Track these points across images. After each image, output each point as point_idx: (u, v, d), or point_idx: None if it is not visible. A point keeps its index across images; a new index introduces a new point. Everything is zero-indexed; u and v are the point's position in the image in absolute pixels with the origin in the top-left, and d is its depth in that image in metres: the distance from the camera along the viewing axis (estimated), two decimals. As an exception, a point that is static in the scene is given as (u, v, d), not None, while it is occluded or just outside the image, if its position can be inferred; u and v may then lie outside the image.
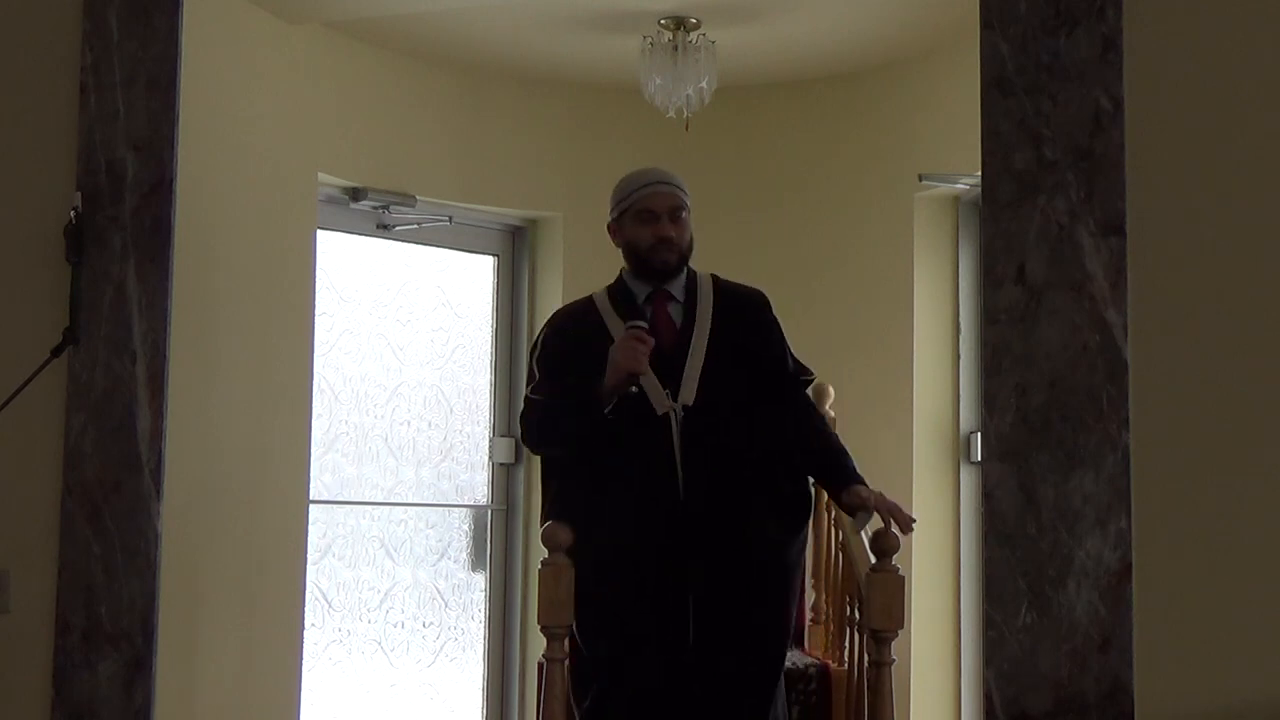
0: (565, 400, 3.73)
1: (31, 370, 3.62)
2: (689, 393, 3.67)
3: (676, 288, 3.81)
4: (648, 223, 3.79)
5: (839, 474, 3.81)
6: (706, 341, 3.73)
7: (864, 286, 5.63)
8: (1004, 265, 3.17)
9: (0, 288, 3.83)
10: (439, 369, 5.96)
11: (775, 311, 3.90)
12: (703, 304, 3.80)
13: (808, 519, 3.84)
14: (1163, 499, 3.06)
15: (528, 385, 3.88)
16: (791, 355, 3.87)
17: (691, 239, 3.83)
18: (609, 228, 3.90)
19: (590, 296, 3.92)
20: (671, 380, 3.68)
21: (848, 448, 3.93)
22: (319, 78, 5.36)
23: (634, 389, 3.63)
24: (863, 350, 5.56)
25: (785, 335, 3.87)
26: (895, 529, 3.70)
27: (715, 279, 3.88)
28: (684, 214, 3.81)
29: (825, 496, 4.62)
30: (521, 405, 3.89)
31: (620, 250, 3.88)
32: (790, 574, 3.76)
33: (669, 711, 3.61)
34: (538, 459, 5.98)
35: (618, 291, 3.86)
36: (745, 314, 3.82)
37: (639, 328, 3.66)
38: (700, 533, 3.60)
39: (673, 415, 3.65)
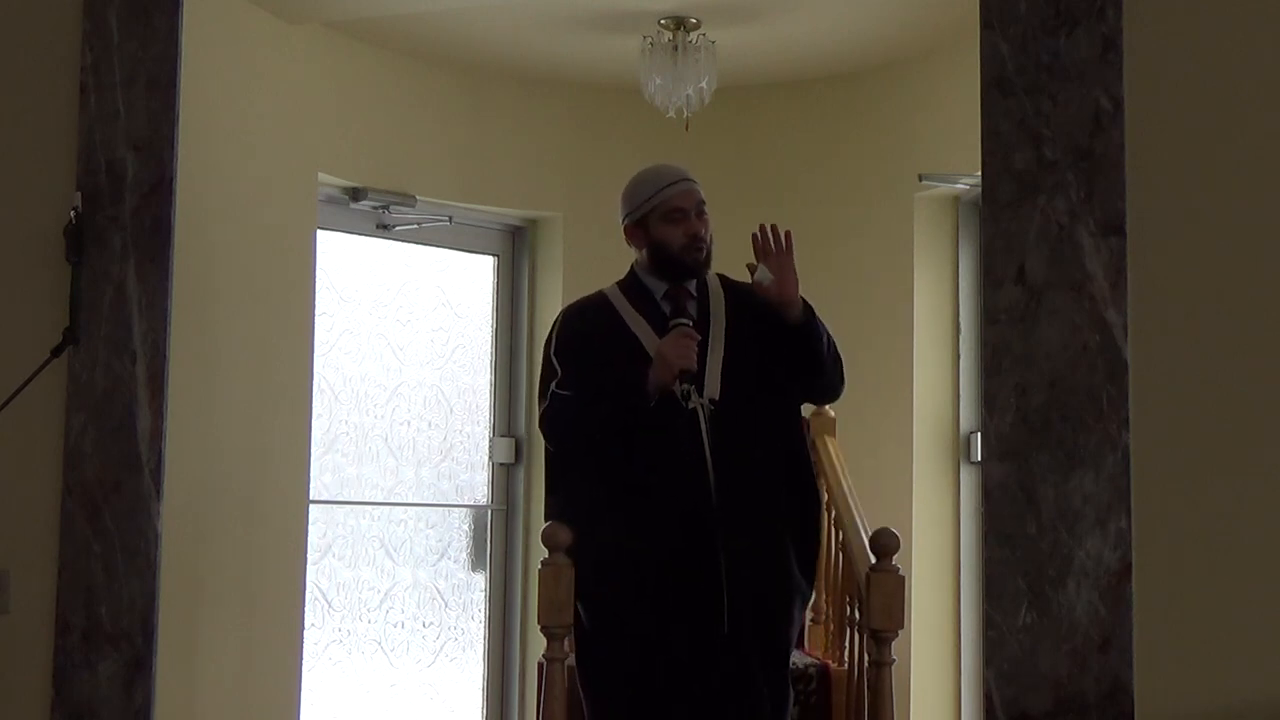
0: (604, 396, 3.68)
1: (31, 370, 3.62)
2: (714, 387, 3.67)
3: (690, 285, 3.80)
4: (678, 222, 3.76)
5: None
6: (724, 335, 3.72)
7: (864, 286, 5.63)
8: (1004, 265, 3.17)
9: (0, 288, 3.83)
10: (439, 369, 5.96)
11: None
12: (715, 300, 3.80)
13: (821, 512, 3.86)
14: (1163, 499, 3.06)
15: (545, 380, 3.81)
16: None
17: (712, 235, 3.82)
18: (626, 230, 3.85)
19: (601, 292, 3.89)
20: (695, 376, 3.66)
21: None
22: (319, 78, 5.36)
23: (683, 386, 3.61)
24: (863, 350, 5.56)
25: None
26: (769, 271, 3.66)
27: (722, 277, 3.87)
28: (706, 210, 3.80)
29: (827, 496, 4.61)
30: (542, 401, 3.80)
31: (641, 252, 3.83)
32: (810, 565, 3.79)
33: (698, 703, 3.61)
34: (539, 459, 6.00)
35: (633, 288, 3.84)
36: (755, 307, 3.78)
37: (684, 324, 3.65)
38: (731, 526, 3.60)
39: (700, 410, 3.65)
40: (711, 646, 3.59)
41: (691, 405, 3.64)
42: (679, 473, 3.63)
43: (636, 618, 3.64)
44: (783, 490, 3.71)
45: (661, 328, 3.72)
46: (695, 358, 3.62)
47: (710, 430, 3.64)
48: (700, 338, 3.66)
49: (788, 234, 3.68)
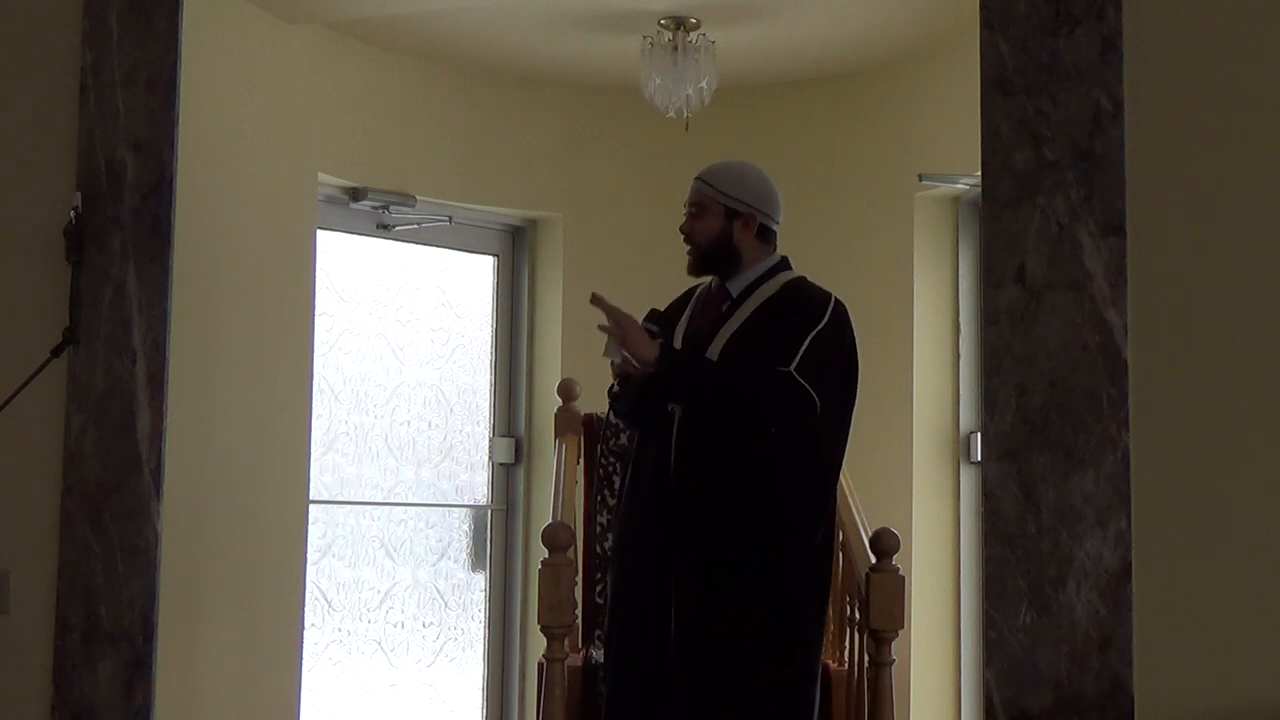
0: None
1: (31, 370, 3.62)
2: None
3: (737, 283, 3.74)
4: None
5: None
6: (725, 341, 3.69)
7: (864, 286, 5.62)
8: (1004, 265, 3.17)
9: (0, 288, 3.83)
10: (439, 369, 5.96)
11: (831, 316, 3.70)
12: (749, 304, 3.72)
13: (807, 518, 3.68)
14: (1163, 499, 3.06)
15: None
16: (817, 366, 3.63)
17: (721, 231, 3.71)
18: None
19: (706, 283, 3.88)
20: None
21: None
22: (319, 78, 5.36)
23: (614, 387, 3.70)
24: (863, 350, 5.54)
25: (830, 351, 3.67)
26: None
27: (792, 281, 3.77)
28: (698, 208, 3.73)
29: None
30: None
31: None
32: (772, 577, 3.60)
33: (651, 701, 3.60)
34: (538, 459, 6.02)
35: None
36: (787, 313, 3.69)
37: (649, 330, 3.64)
38: (685, 527, 3.59)
39: (675, 415, 3.65)
40: (661, 657, 3.57)
41: (671, 409, 3.65)
42: (647, 474, 3.67)
43: (612, 623, 3.71)
44: (749, 503, 3.59)
45: (693, 320, 3.75)
46: (615, 353, 3.59)
47: (678, 435, 3.63)
48: (643, 341, 3.57)
49: (598, 302, 3.58)
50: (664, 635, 3.56)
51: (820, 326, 3.66)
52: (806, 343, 3.62)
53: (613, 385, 3.75)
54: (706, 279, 3.82)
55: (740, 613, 3.55)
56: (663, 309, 3.85)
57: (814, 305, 3.70)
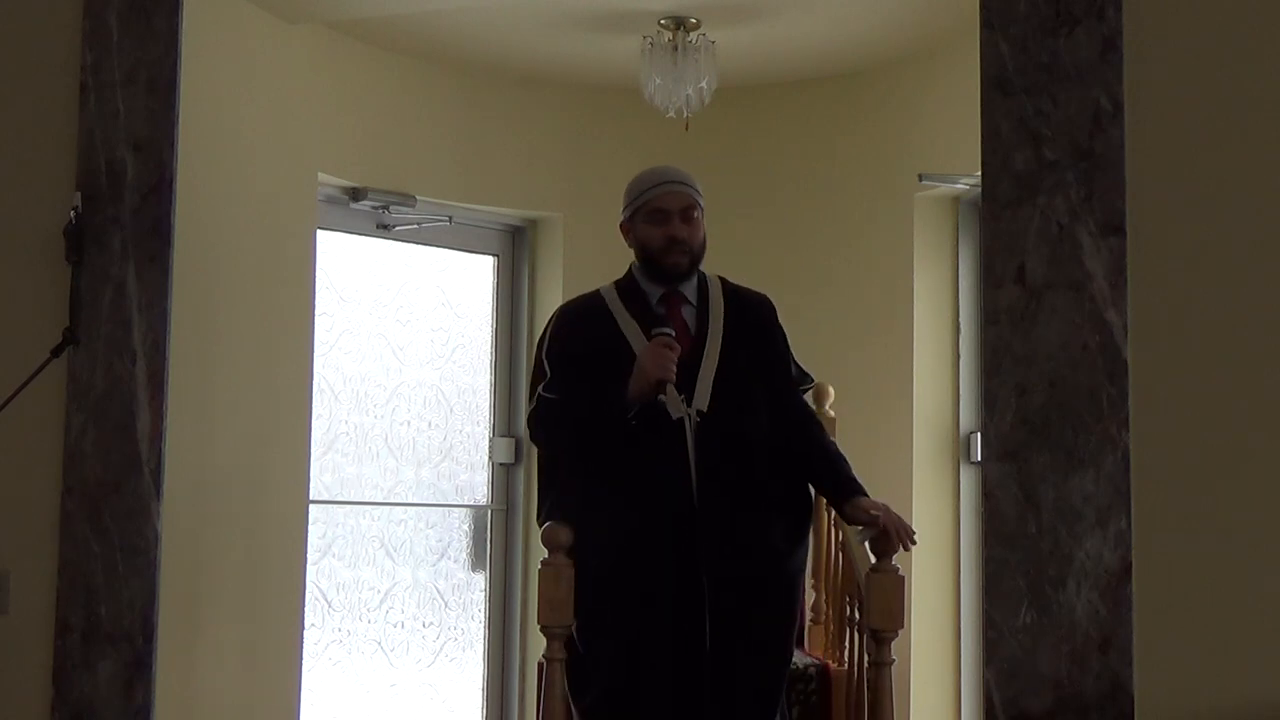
0: (585, 403, 3.66)
1: (31, 370, 3.62)
2: (703, 399, 3.63)
3: (689, 289, 3.77)
4: (659, 223, 3.73)
5: (840, 483, 3.74)
6: (720, 347, 3.69)
7: (864, 286, 5.63)
8: (1004, 265, 3.17)
9: (0, 288, 3.83)
10: (439, 369, 5.96)
11: (778, 314, 3.88)
12: (715, 308, 3.76)
13: (810, 526, 3.83)
14: (1163, 499, 3.06)
15: (535, 381, 3.80)
16: (794, 361, 3.86)
17: (704, 239, 3.79)
18: (621, 227, 3.85)
19: (597, 292, 3.85)
20: (686, 385, 3.63)
21: (847, 450, 3.91)
22: (319, 78, 5.36)
23: (660, 397, 3.57)
24: (863, 350, 5.56)
25: (788, 340, 3.86)
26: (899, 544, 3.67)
27: (723, 281, 3.84)
28: (696, 213, 3.75)
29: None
30: (530, 402, 3.79)
31: (632, 250, 3.83)
32: (795, 579, 3.75)
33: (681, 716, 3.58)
34: (537, 459, 5.99)
35: (628, 290, 3.80)
36: (755, 319, 3.78)
37: (666, 334, 3.61)
38: (713, 538, 3.57)
39: (687, 420, 3.63)
40: (696, 664, 3.54)
41: (678, 416, 3.62)
42: (662, 485, 3.59)
43: (619, 630, 3.62)
44: (773, 507, 3.65)
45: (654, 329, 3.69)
46: (674, 369, 3.57)
47: (696, 442, 3.61)
48: (679, 348, 3.60)
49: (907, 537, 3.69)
50: (697, 651, 3.54)
51: (780, 326, 3.85)
52: (789, 349, 3.84)
53: (626, 411, 3.59)
54: (609, 285, 3.84)
55: (776, 623, 3.64)
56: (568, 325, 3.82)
57: (768, 308, 3.86)
